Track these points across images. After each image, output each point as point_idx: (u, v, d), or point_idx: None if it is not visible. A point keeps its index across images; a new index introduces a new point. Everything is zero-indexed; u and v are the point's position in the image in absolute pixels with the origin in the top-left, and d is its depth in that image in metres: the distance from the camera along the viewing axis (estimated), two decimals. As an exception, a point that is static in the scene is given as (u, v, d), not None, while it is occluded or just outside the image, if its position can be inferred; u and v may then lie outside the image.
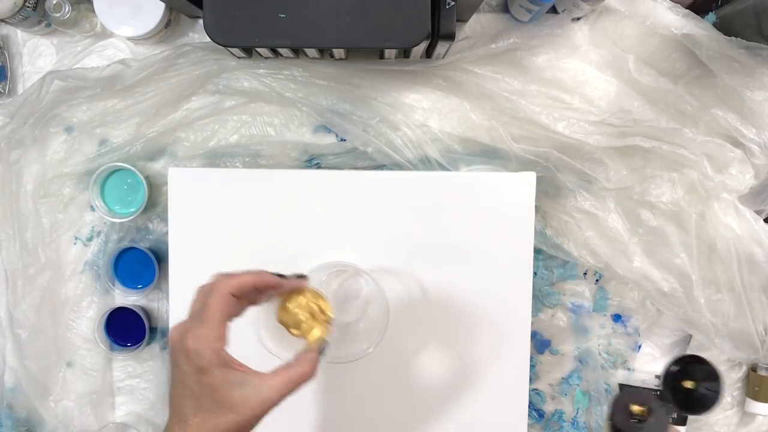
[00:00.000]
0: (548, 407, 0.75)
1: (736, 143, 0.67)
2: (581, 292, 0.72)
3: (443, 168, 0.69)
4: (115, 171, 0.72)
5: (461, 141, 0.70)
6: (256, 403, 0.42)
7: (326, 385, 0.68)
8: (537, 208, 0.69)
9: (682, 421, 0.71)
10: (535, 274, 0.72)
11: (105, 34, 0.73)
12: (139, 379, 0.75)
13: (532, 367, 0.73)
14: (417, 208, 0.66)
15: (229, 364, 0.42)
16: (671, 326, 0.73)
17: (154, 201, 0.73)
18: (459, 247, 0.66)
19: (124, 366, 0.75)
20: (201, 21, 0.70)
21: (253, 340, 0.47)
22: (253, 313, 0.49)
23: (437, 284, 0.67)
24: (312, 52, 0.65)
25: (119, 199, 0.73)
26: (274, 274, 0.48)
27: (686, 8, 0.67)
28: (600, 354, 0.73)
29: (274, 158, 0.71)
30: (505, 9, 0.70)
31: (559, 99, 0.68)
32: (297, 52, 0.67)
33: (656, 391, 0.72)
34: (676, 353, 0.72)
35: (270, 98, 0.70)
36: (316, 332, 0.49)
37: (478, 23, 0.70)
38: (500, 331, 0.67)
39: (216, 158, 0.71)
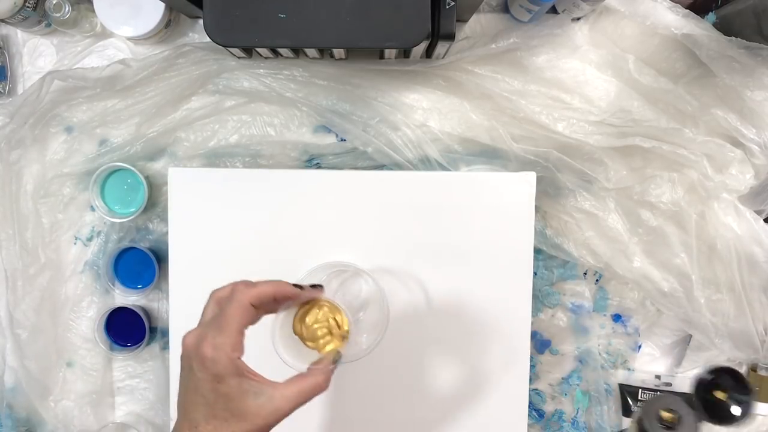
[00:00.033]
0: (548, 407, 0.75)
1: (736, 143, 0.67)
2: (581, 292, 0.72)
3: (443, 168, 0.69)
4: (115, 171, 0.72)
5: (461, 141, 0.70)
6: (269, 413, 0.42)
7: (326, 385, 0.68)
8: (537, 208, 0.69)
9: (682, 421, 0.71)
10: (535, 274, 0.72)
11: (105, 34, 0.73)
12: (139, 379, 0.75)
13: (532, 367, 0.73)
14: (417, 208, 0.66)
15: (244, 373, 0.43)
16: (671, 326, 0.73)
17: (154, 201, 0.73)
18: (459, 247, 0.66)
19: (124, 366, 0.75)
20: (201, 21, 0.70)
21: (265, 348, 0.47)
22: (267, 321, 0.49)
23: (437, 284, 0.67)
24: (312, 52, 0.65)
25: (119, 199, 0.73)
26: (291, 284, 0.48)
27: (686, 8, 0.67)
28: (600, 354, 0.73)
29: (274, 158, 0.71)
30: (505, 9, 0.70)
31: (559, 99, 0.68)
32: (297, 52, 0.67)
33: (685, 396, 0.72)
34: (706, 361, 0.71)
35: (270, 98, 0.70)
36: (332, 346, 0.49)
37: (478, 23, 0.70)
38: (500, 331, 0.67)
39: (216, 158, 0.71)
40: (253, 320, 0.46)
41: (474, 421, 0.67)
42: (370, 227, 0.67)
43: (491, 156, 0.70)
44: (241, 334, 0.44)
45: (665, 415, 0.54)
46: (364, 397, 0.68)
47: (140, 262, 0.73)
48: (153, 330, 0.74)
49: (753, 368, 0.71)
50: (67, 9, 0.67)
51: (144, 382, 0.75)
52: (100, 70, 0.69)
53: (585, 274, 0.73)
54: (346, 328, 0.51)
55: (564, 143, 0.68)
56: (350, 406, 0.68)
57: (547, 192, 0.70)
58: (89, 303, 0.74)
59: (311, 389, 0.44)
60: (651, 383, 0.73)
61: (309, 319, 0.50)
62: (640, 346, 0.74)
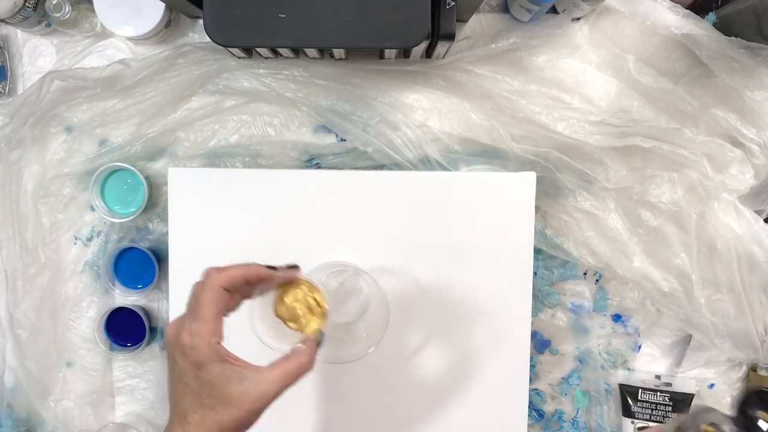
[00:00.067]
0: (548, 407, 0.75)
1: (736, 143, 0.67)
2: (581, 292, 0.72)
3: (443, 168, 0.69)
4: (115, 171, 0.72)
5: (461, 141, 0.70)
6: (255, 397, 0.42)
7: (326, 385, 0.68)
8: (537, 208, 0.69)
9: (682, 421, 0.71)
10: (535, 274, 0.72)
11: (105, 34, 0.73)
12: (139, 379, 0.75)
13: (532, 367, 0.73)
14: (417, 208, 0.66)
15: (225, 358, 0.42)
16: (671, 326, 0.73)
17: (154, 201, 0.73)
18: (459, 247, 0.66)
19: (124, 366, 0.75)
20: (201, 21, 0.70)
21: (248, 334, 0.47)
22: (246, 306, 0.49)
23: (437, 284, 0.67)
24: (312, 52, 0.65)
25: (119, 199, 0.73)
26: (265, 266, 0.47)
27: (686, 8, 0.67)
28: (600, 354, 0.73)
29: (274, 158, 0.71)
30: (505, 9, 0.70)
31: (559, 99, 0.68)
32: (297, 52, 0.67)
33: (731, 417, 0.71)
34: (706, 361, 0.71)
35: (270, 98, 0.70)
36: (314, 324, 0.49)
37: (478, 23, 0.70)
38: (500, 331, 0.67)
39: (216, 158, 0.71)
40: (230, 305, 0.45)
41: (474, 421, 0.67)
42: (370, 227, 0.67)
43: (491, 156, 0.70)
44: (218, 319, 0.43)
45: (707, 429, 0.54)
46: (364, 396, 0.68)
47: (140, 262, 0.73)
48: (153, 330, 0.74)
49: (753, 368, 0.71)
50: (67, 9, 0.67)
51: (144, 382, 0.75)
52: (100, 70, 0.69)
53: (585, 274, 0.73)
54: (325, 306, 0.51)
55: (564, 143, 0.68)
56: (350, 406, 0.68)
57: (547, 192, 0.70)
58: (89, 303, 0.74)
59: (296, 370, 0.44)
60: (651, 383, 0.73)
61: (288, 300, 0.50)
62: (640, 346, 0.74)
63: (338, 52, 0.66)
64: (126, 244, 0.73)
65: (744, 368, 0.72)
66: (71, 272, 0.74)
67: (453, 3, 0.56)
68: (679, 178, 0.68)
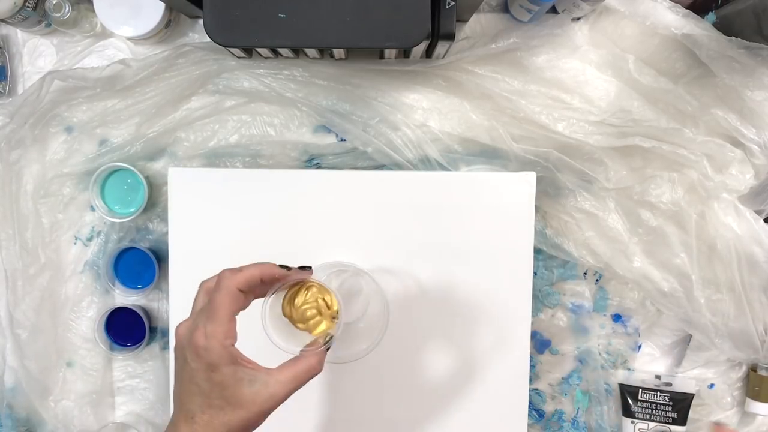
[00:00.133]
0: (548, 407, 0.75)
1: (736, 143, 0.67)
2: (581, 292, 0.72)
3: (443, 168, 0.69)
4: (115, 171, 0.72)
5: (461, 141, 0.70)
6: (264, 399, 0.42)
7: (326, 385, 0.68)
8: (537, 208, 0.69)
9: (683, 422, 0.71)
10: (535, 274, 0.72)
11: (105, 34, 0.73)
12: (139, 379, 0.75)
13: (532, 367, 0.73)
14: (417, 208, 0.66)
15: (238, 360, 0.42)
16: (671, 326, 0.73)
17: (154, 201, 0.73)
18: (459, 247, 0.66)
19: (124, 366, 0.75)
20: (201, 21, 0.70)
21: (258, 335, 0.47)
22: (257, 306, 0.48)
23: (437, 284, 0.67)
24: (312, 52, 0.65)
25: (119, 199, 0.73)
26: (278, 265, 0.48)
27: (686, 8, 0.67)
28: (600, 354, 0.73)
29: (274, 158, 0.71)
30: (505, 9, 0.70)
31: (559, 99, 0.68)
32: (297, 52, 0.67)
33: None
34: (706, 361, 0.72)
35: (270, 98, 0.70)
36: (323, 326, 0.49)
37: (478, 23, 0.70)
38: (500, 331, 0.67)
39: (216, 158, 0.71)
40: (243, 306, 0.45)
41: (474, 420, 0.67)
42: (370, 227, 0.67)
43: (491, 156, 0.70)
44: (232, 320, 0.43)
45: None
46: (364, 396, 0.68)
47: (140, 262, 0.73)
48: (153, 330, 0.74)
49: (753, 368, 0.71)
50: (67, 9, 0.67)
51: (144, 382, 0.75)
52: (100, 70, 0.69)
53: (585, 274, 0.73)
54: (335, 308, 0.50)
55: (564, 143, 0.68)
56: (350, 406, 0.68)
57: (547, 192, 0.70)
58: (89, 303, 0.74)
59: (305, 372, 0.44)
60: (651, 383, 0.73)
61: (298, 301, 0.50)
62: (640, 346, 0.74)
63: (338, 52, 0.66)
64: (126, 244, 0.73)
65: (744, 368, 0.72)
66: (71, 272, 0.74)
67: (453, 3, 0.56)
68: (679, 178, 0.68)
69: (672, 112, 0.67)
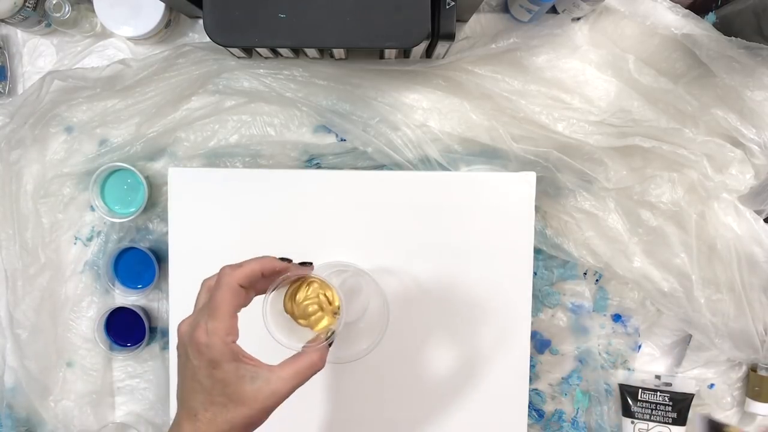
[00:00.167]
0: (548, 407, 0.75)
1: (736, 143, 0.67)
2: (581, 292, 0.72)
3: (443, 168, 0.69)
4: (115, 171, 0.72)
5: (461, 141, 0.70)
6: (267, 396, 0.42)
7: (326, 385, 0.68)
8: (537, 208, 0.69)
9: (682, 422, 0.71)
10: (535, 274, 0.72)
11: (105, 34, 0.73)
12: (139, 379, 0.75)
13: (532, 367, 0.73)
14: (417, 208, 0.66)
15: (239, 357, 0.42)
16: (671, 326, 0.73)
17: (154, 201, 0.73)
18: (459, 247, 0.66)
19: (124, 366, 0.75)
20: (201, 21, 0.70)
21: (258, 331, 0.47)
22: (258, 304, 0.48)
23: (437, 284, 0.67)
24: (312, 52, 0.65)
25: (119, 199, 0.73)
26: (278, 258, 0.47)
27: (686, 8, 0.67)
28: (600, 354, 0.73)
29: (274, 158, 0.71)
30: (505, 9, 0.70)
31: (559, 99, 0.68)
32: (297, 52, 0.67)
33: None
34: (706, 361, 0.72)
35: (270, 98, 0.70)
36: (324, 322, 0.49)
37: (478, 23, 0.70)
38: (500, 331, 0.67)
39: (216, 158, 0.71)
40: (244, 302, 0.45)
41: (474, 420, 0.67)
42: (370, 227, 0.67)
43: (491, 156, 0.70)
44: (234, 317, 0.43)
45: None
46: (364, 396, 0.68)
47: (140, 262, 0.73)
48: (153, 330, 0.74)
49: (753, 368, 0.71)
50: (67, 9, 0.67)
51: (144, 382, 0.75)
52: (100, 70, 0.69)
53: (585, 274, 0.73)
54: (337, 303, 0.50)
55: (564, 143, 0.68)
56: (350, 406, 0.68)
57: (547, 192, 0.70)
58: (89, 303, 0.74)
59: (307, 368, 0.44)
60: (651, 383, 0.73)
61: (299, 297, 0.50)
62: (640, 346, 0.74)
63: (338, 52, 0.66)
64: (126, 244, 0.73)
65: (744, 368, 0.72)
66: (71, 272, 0.74)
67: (453, 3, 0.56)
68: (679, 178, 0.68)
69: (672, 112, 0.67)
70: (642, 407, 0.72)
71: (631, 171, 0.68)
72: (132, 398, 0.75)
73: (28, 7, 0.68)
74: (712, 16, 0.67)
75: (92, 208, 0.74)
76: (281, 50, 0.65)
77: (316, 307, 0.50)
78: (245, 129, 0.71)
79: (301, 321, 0.50)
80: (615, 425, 0.74)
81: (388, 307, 0.60)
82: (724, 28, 0.65)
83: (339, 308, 0.50)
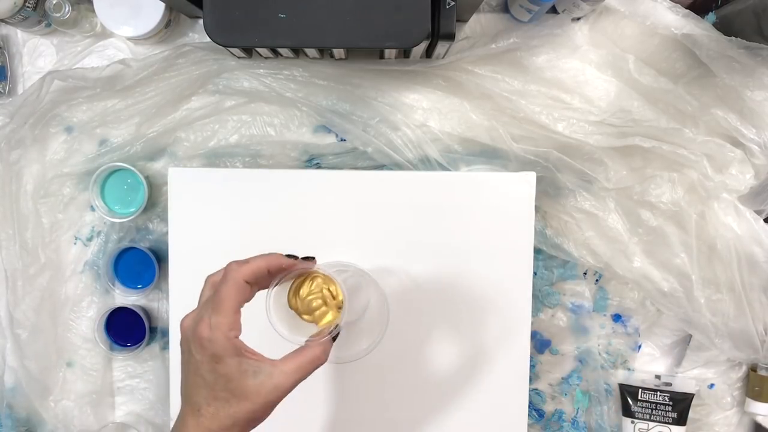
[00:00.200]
0: (548, 407, 0.75)
1: (736, 143, 0.67)
2: (581, 292, 0.72)
3: (443, 168, 0.69)
4: (115, 171, 0.72)
5: (461, 141, 0.70)
6: (269, 390, 0.42)
7: (325, 385, 0.68)
8: (537, 208, 0.69)
9: (682, 422, 0.71)
10: (535, 274, 0.72)
11: (105, 34, 0.73)
12: (139, 379, 0.75)
13: (532, 367, 0.73)
14: (417, 208, 0.66)
15: (242, 352, 0.42)
16: (671, 326, 0.73)
17: (154, 201, 0.73)
18: (459, 247, 0.66)
19: (124, 366, 0.75)
20: (201, 21, 0.70)
21: (261, 326, 0.47)
22: (262, 300, 0.48)
23: (437, 284, 0.67)
24: (312, 52, 0.65)
25: (119, 199, 0.73)
26: (284, 255, 0.47)
27: (686, 8, 0.67)
28: (600, 354, 0.73)
29: (274, 158, 0.71)
30: (505, 9, 0.70)
31: (559, 99, 0.68)
32: (297, 52, 0.67)
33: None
34: (706, 361, 0.72)
35: (270, 98, 0.70)
36: (329, 317, 0.49)
37: (478, 23, 0.70)
38: (500, 331, 0.67)
39: (216, 158, 0.71)
40: (248, 297, 0.45)
41: (474, 420, 0.67)
42: (370, 227, 0.67)
43: (491, 156, 0.70)
44: (237, 313, 0.43)
45: None
46: (364, 396, 0.68)
47: (140, 262, 0.73)
48: (153, 330, 0.74)
49: (753, 368, 0.71)
50: (67, 9, 0.67)
51: (144, 382, 0.75)
52: (100, 70, 0.69)
53: (585, 274, 0.73)
54: (340, 298, 0.50)
55: (564, 143, 0.68)
56: (350, 406, 0.68)
57: (547, 192, 0.70)
58: (89, 303, 0.74)
59: (310, 363, 0.44)
60: (651, 383, 0.73)
61: (303, 292, 0.49)
62: (640, 346, 0.74)
63: (338, 52, 0.66)
64: (126, 244, 0.73)
65: (744, 368, 0.72)
66: (71, 272, 0.74)
67: (453, 3, 0.56)
68: (679, 178, 0.68)
69: (672, 112, 0.67)
70: (642, 407, 0.72)
71: (631, 171, 0.68)
72: (132, 398, 0.75)
73: (28, 7, 0.68)
74: (712, 16, 0.67)
75: (92, 208, 0.74)
76: (281, 50, 0.65)
77: (320, 301, 0.49)
78: (245, 129, 0.71)
79: (305, 317, 0.50)
80: (615, 425, 0.74)
81: (388, 307, 0.60)
82: (724, 28, 0.65)
83: (343, 302, 0.50)
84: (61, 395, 0.74)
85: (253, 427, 0.43)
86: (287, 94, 0.69)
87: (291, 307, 0.50)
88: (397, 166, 0.69)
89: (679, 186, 0.68)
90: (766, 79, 0.64)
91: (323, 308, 0.50)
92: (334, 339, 0.48)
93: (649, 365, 0.74)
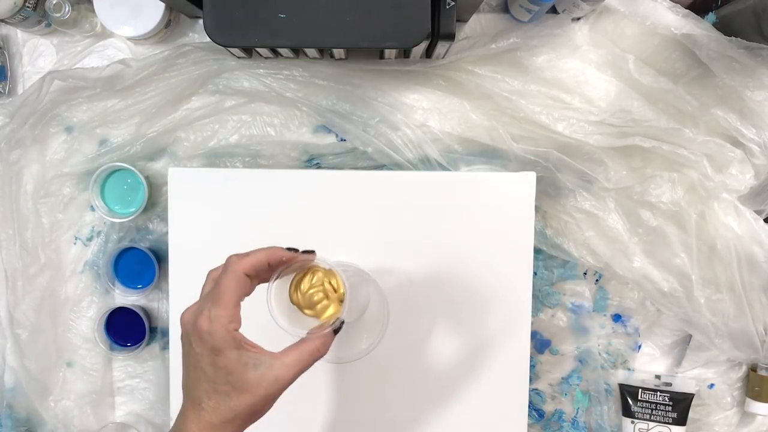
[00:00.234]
0: (548, 407, 0.75)
1: (736, 143, 0.67)
2: (581, 292, 0.72)
3: (443, 168, 0.69)
4: (115, 171, 0.72)
5: (461, 141, 0.70)
6: (270, 383, 0.42)
7: (325, 385, 0.68)
8: (537, 208, 0.69)
9: (682, 422, 0.71)
10: (535, 274, 0.72)
11: (105, 34, 0.73)
12: (139, 379, 0.75)
13: (532, 367, 0.73)
14: (417, 208, 0.66)
15: (242, 345, 0.42)
16: (671, 326, 0.73)
17: (154, 201, 0.73)
18: (459, 247, 0.66)
19: (124, 366, 0.75)
20: (201, 21, 0.70)
21: (262, 322, 0.47)
22: (263, 294, 0.48)
23: (437, 284, 0.67)
24: (312, 52, 0.65)
25: (119, 199, 0.73)
26: (285, 248, 0.47)
27: (686, 8, 0.67)
28: (600, 354, 0.73)
29: (274, 158, 0.71)
30: (505, 9, 0.70)
31: (559, 99, 0.68)
32: (297, 52, 0.67)
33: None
34: (706, 361, 0.72)
35: (270, 98, 0.70)
36: (331, 310, 0.49)
37: (478, 23, 0.70)
38: (500, 331, 0.67)
39: (216, 158, 0.71)
40: (248, 291, 0.45)
41: (474, 420, 0.67)
42: (370, 227, 0.67)
43: (491, 156, 0.70)
44: (237, 306, 0.43)
45: None
46: (364, 396, 0.68)
47: (140, 262, 0.73)
48: (153, 330, 0.74)
49: (753, 368, 0.71)
50: (67, 9, 0.67)
51: (144, 382, 0.75)
52: (100, 70, 0.69)
53: (585, 274, 0.73)
54: (342, 290, 0.50)
55: (564, 143, 0.68)
56: (350, 405, 0.68)
57: (547, 192, 0.70)
58: (89, 303, 0.74)
59: (309, 354, 0.44)
60: (651, 383, 0.73)
61: (304, 286, 0.49)
62: (640, 346, 0.74)
63: (338, 52, 0.66)
64: (126, 244, 0.73)
65: (744, 368, 0.72)
66: (71, 272, 0.74)
67: (453, 3, 0.56)
68: (679, 178, 0.68)
69: (672, 112, 0.67)
70: (642, 407, 0.72)
71: (631, 171, 0.68)
72: (132, 398, 0.75)
73: (28, 7, 0.68)
74: (712, 16, 0.67)
75: (92, 208, 0.74)
76: (281, 50, 0.65)
77: (321, 295, 0.49)
78: (245, 129, 0.71)
79: (307, 311, 0.50)
80: (615, 425, 0.74)
81: (388, 307, 0.60)
82: (724, 28, 0.65)
83: (344, 295, 0.50)
84: (61, 395, 0.74)
85: (255, 420, 0.43)
86: (287, 94, 0.69)
87: (292, 302, 0.50)
88: (397, 166, 0.69)
89: (679, 186, 0.68)
90: (766, 79, 0.64)
91: (324, 302, 0.49)
92: (336, 332, 0.48)
93: (649, 365, 0.74)
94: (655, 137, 0.66)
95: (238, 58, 0.68)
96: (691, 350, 0.72)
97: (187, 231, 0.67)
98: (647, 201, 0.68)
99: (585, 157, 0.68)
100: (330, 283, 0.50)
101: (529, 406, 0.68)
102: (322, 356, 0.45)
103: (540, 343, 0.73)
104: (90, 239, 0.74)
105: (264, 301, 0.47)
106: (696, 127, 0.67)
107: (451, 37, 0.58)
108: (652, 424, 0.72)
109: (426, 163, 0.69)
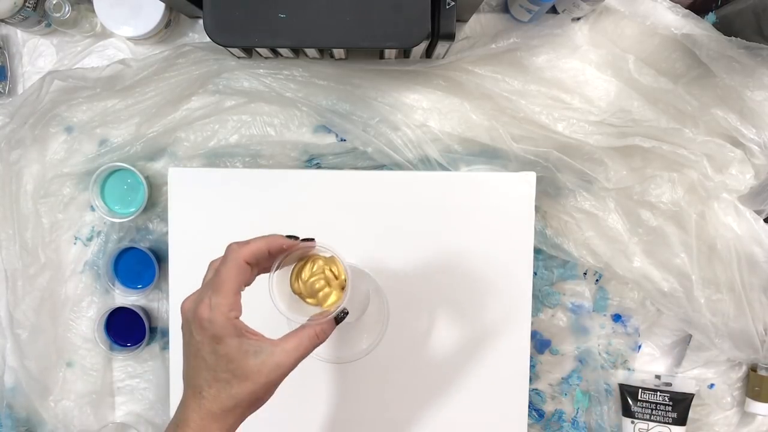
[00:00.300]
0: (548, 407, 0.75)
1: (736, 143, 0.67)
2: (581, 292, 0.72)
3: (443, 168, 0.69)
4: (115, 171, 0.72)
5: (461, 141, 0.70)
6: (271, 369, 0.42)
7: (326, 385, 0.68)
8: (537, 208, 0.69)
9: (682, 422, 0.71)
10: (535, 274, 0.72)
11: (105, 34, 0.73)
12: (139, 379, 0.75)
13: (532, 367, 0.73)
14: (417, 208, 0.66)
15: (243, 332, 0.42)
16: (671, 326, 0.73)
17: (154, 201, 0.73)
18: (459, 247, 0.66)
19: (124, 366, 0.75)
20: (201, 21, 0.70)
21: (263, 311, 0.47)
22: (264, 284, 0.48)
23: (437, 283, 0.67)
24: (312, 52, 0.65)
25: (119, 199, 0.73)
26: (285, 236, 0.47)
27: (686, 8, 0.67)
28: (600, 354, 0.73)
29: (274, 158, 0.71)
30: (505, 9, 0.70)
31: (559, 99, 0.68)
32: (297, 52, 0.67)
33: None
34: (706, 361, 0.72)
35: (270, 98, 0.70)
36: (333, 298, 0.49)
37: (478, 23, 0.70)
38: (500, 331, 0.67)
39: (216, 158, 0.71)
40: (249, 279, 0.45)
41: (474, 420, 0.67)
42: (370, 227, 0.67)
43: (491, 156, 0.70)
44: (238, 294, 0.43)
45: None
46: (364, 396, 0.68)
47: (140, 262, 0.73)
48: (153, 330, 0.74)
49: (753, 368, 0.71)
50: (67, 9, 0.67)
51: (144, 382, 0.75)
52: (100, 70, 0.69)
53: (585, 274, 0.73)
54: (343, 277, 0.50)
55: (564, 143, 0.68)
56: (350, 405, 0.68)
57: (547, 192, 0.70)
58: (89, 303, 0.74)
59: (309, 340, 0.44)
60: (651, 383, 0.73)
61: (305, 274, 0.49)
62: (640, 346, 0.74)
63: (338, 52, 0.66)
64: (126, 244, 0.73)
65: (744, 368, 0.72)
66: (71, 272, 0.74)
67: (453, 3, 0.56)
68: (679, 178, 0.68)
69: (672, 112, 0.67)
70: (642, 407, 0.72)
71: (631, 171, 0.68)
72: (132, 398, 0.75)
73: (28, 7, 0.68)
74: (712, 16, 0.67)
75: (92, 208, 0.74)
76: (281, 50, 0.65)
77: (323, 282, 0.49)
78: (245, 129, 0.71)
79: (309, 300, 0.50)
80: (615, 425, 0.74)
81: (388, 306, 0.60)
82: (724, 28, 0.65)
83: (346, 281, 0.50)
84: (61, 395, 0.74)
85: (256, 408, 0.43)
86: (287, 94, 0.69)
87: (294, 291, 0.50)
88: (397, 166, 0.69)
89: (679, 186, 0.68)
90: (766, 79, 0.64)
91: (326, 289, 0.49)
92: (338, 321, 0.48)
93: (649, 365, 0.74)
94: (655, 137, 0.66)
95: (238, 58, 0.68)
96: (691, 350, 0.72)
97: (187, 231, 0.67)
98: (647, 201, 0.68)
99: (585, 157, 0.68)
100: (331, 270, 0.50)
101: (529, 406, 0.68)
102: (321, 342, 0.45)
103: (540, 343, 0.73)
104: (90, 239, 0.74)
105: (265, 291, 0.47)
106: (696, 127, 0.67)
107: (451, 37, 0.58)
108: (652, 424, 0.72)
109: (426, 163, 0.69)
